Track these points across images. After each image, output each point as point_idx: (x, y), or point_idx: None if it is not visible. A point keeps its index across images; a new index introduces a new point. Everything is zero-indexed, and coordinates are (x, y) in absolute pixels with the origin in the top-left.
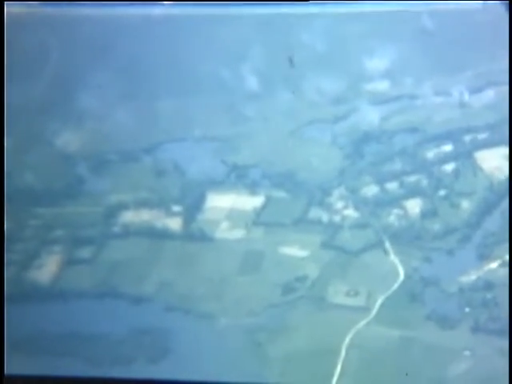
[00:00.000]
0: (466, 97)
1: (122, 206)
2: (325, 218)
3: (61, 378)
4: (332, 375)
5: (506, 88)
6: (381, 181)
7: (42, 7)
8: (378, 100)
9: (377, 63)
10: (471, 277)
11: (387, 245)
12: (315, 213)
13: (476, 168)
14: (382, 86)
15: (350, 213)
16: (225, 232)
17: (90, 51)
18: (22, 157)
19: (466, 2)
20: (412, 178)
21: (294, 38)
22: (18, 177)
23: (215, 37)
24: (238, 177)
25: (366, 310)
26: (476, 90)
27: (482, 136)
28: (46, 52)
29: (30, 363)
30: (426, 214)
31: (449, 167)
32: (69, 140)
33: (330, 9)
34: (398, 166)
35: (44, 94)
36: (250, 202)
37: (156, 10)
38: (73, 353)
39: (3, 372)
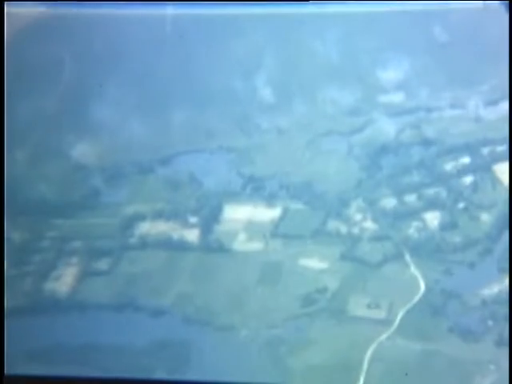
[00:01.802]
0: (482, 109)
1: (139, 218)
2: (343, 229)
3: (61, 378)
4: None
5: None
6: (399, 193)
7: (53, 10)
8: (394, 112)
9: (391, 75)
10: (493, 290)
11: (407, 257)
12: (333, 224)
13: (495, 181)
14: (398, 97)
15: (369, 225)
16: (243, 244)
17: (104, 63)
18: (37, 169)
19: (466, 2)
20: (430, 191)
21: (307, 49)
22: (34, 188)
23: (229, 48)
24: (255, 188)
25: (387, 322)
26: (491, 103)
27: (499, 148)
28: (60, 64)
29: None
30: (445, 227)
31: (467, 180)
32: (84, 152)
33: (344, 19)
34: (416, 178)
35: (58, 106)
36: (268, 214)
37: (170, 22)
38: (92, 365)
39: (3, 372)
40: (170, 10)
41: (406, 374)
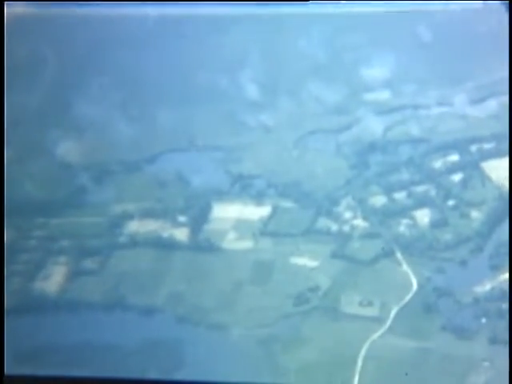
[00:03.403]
0: (468, 107)
1: (127, 216)
2: (334, 227)
3: (60, 378)
4: None
5: (508, 98)
6: (388, 191)
7: (39, 8)
8: (381, 110)
9: (377, 73)
10: (485, 287)
11: (398, 255)
12: (324, 223)
13: (484, 178)
14: (383, 95)
15: (359, 223)
16: (232, 242)
17: (88, 61)
18: (23, 167)
19: (466, 2)
20: (420, 188)
21: (293, 48)
22: (20, 187)
23: (215, 47)
24: (243, 187)
25: (380, 320)
26: (478, 101)
27: (487, 146)
28: (44, 61)
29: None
30: (435, 225)
31: (456, 177)
32: (69, 150)
33: (330, 17)
34: (405, 176)
35: (43, 104)
36: (257, 212)
37: (155, 19)
38: (83, 365)
39: (3, 372)
40: (154, 9)
41: (406, 374)
